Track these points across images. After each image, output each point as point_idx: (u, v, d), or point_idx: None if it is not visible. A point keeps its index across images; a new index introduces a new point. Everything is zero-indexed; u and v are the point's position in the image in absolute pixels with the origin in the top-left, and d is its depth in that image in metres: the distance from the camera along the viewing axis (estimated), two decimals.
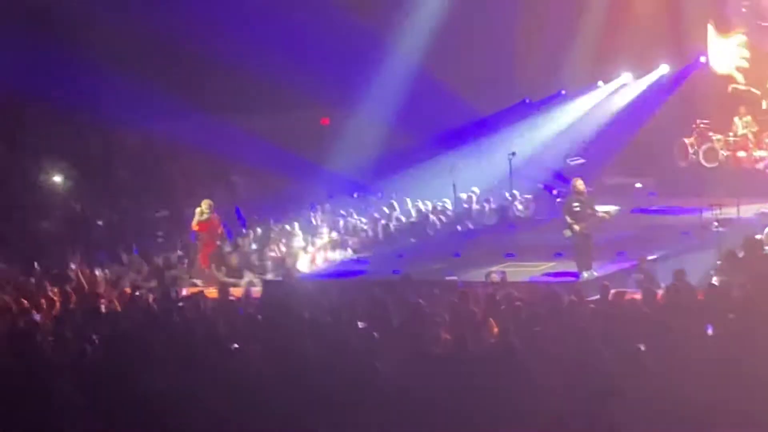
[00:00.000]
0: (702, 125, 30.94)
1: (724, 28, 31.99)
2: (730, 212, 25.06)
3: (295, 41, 29.97)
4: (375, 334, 14.61)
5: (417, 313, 16.40)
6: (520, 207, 29.89)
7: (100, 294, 20.41)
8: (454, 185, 29.60)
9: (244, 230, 27.48)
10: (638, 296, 17.07)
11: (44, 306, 19.16)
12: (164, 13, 27.89)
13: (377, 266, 25.12)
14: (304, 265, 25.70)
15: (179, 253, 25.86)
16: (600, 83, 33.19)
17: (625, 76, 33.10)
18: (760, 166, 30.37)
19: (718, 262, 20.21)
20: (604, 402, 11.78)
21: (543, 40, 31.85)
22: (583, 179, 23.07)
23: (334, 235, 27.39)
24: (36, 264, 23.40)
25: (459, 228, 28.91)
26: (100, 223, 29.32)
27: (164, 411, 12.54)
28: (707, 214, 24.96)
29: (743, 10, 31.77)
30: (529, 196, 30.25)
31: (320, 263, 26.23)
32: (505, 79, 31.78)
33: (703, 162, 30.63)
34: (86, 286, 21.42)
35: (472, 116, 32.34)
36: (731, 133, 30.87)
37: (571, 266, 22.21)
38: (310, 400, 12.49)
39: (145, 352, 14.36)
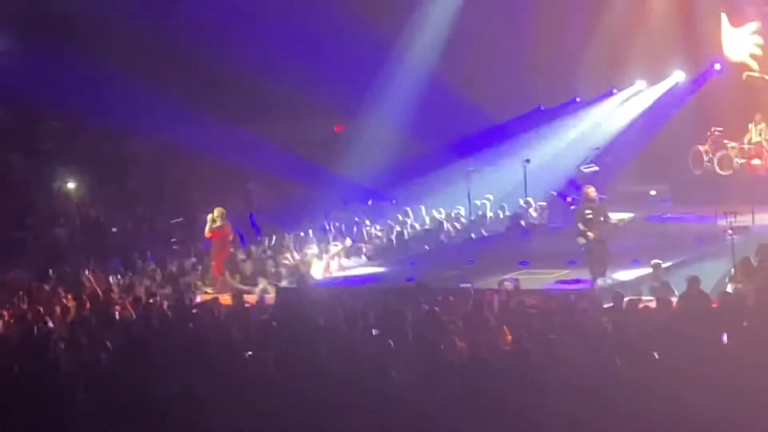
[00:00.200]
0: (716, 132, 30.86)
1: (737, 20, 31.97)
2: (744, 220, 24.93)
3: (310, 49, 30.03)
4: (389, 341, 14.61)
5: (431, 321, 16.38)
6: (534, 214, 29.87)
7: (115, 301, 20.46)
8: (468, 192, 29.58)
9: (258, 237, 27.52)
10: (653, 304, 17.03)
11: (59, 313, 19.24)
12: (180, 22, 27.98)
13: (391, 273, 25.10)
14: (318, 272, 25.69)
15: (193, 259, 25.90)
16: (615, 90, 33.18)
17: (640, 84, 33.10)
18: None
19: (733, 270, 20.12)
20: (617, 410, 11.76)
21: (557, 47, 31.86)
22: (596, 187, 23.02)
23: (348, 242, 27.38)
24: (51, 271, 23.48)
25: (473, 235, 28.88)
26: (114, 230, 29.43)
27: (178, 418, 12.55)
28: (722, 222, 24.85)
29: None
30: (543, 204, 30.24)
31: (334, 270, 26.24)
32: (519, 86, 31.77)
33: (717, 169, 30.55)
34: (100, 293, 21.47)
35: (487, 123, 32.37)
36: (746, 141, 30.80)
37: (585, 274, 22.15)
38: (324, 408, 12.48)
39: (159, 359, 14.39)
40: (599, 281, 21.62)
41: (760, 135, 30.69)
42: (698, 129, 31.33)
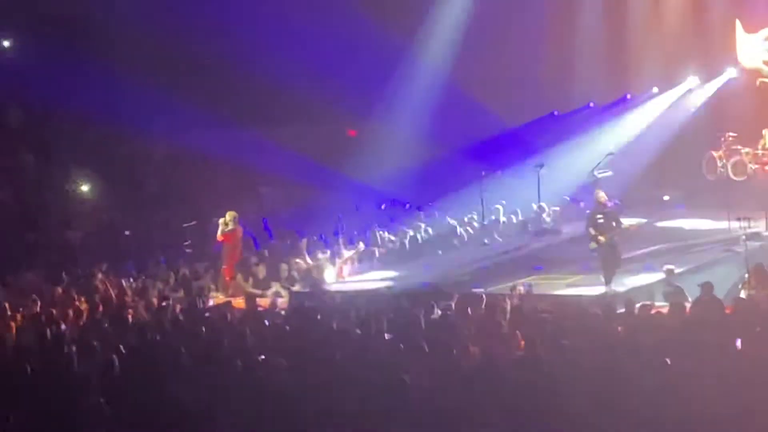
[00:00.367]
0: (730, 138, 30.80)
1: (751, 26, 31.90)
2: (758, 226, 24.91)
3: (324, 53, 30.04)
4: (402, 345, 14.61)
5: (444, 325, 16.37)
6: (547, 219, 29.83)
7: (128, 304, 20.46)
8: (481, 197, 29.54)
9: (271, 241, 27.52)
10: (665, 310, 17.00)
11: (72, 315, 19.25)
12: (193, 25, 27.98)
13: (404, 278, 25.09)
14: (331, 276, 25.69)
15: (206, 263, 25.91)
16: (629, 96, 33.15)
17: (654, 89, 33.06)
18: None
19: (746, 276, 20.09)
20: (630, 415, 11.75)
21: (571, 53, 31.86)
22: (610, 192, 23.01)
23: (361, 246, 27.37)
24: (64, 274, 23.50)
25: (486, 240, 28.85)
26: (127, 233, 29.44)
27: (191, 421, 12.56)
28: (735, 228, 24.82)
29: None
30: (556, 208, 30.19)
31: (347, 275, 26.23)
32: (533, 91, 31.75)
33: (731, 175, 30.47)
34: (113, 296, 21.50)
35: (500, 128, 32.34)
36: (760, 147, 30.71)
37: (598, 279, 22.13)
38: (337, 412, 12.48)
39: (172, 362, 14.41)
40: (612, 286, 21.62)
41: None
42: (712, 135, 31.25)
